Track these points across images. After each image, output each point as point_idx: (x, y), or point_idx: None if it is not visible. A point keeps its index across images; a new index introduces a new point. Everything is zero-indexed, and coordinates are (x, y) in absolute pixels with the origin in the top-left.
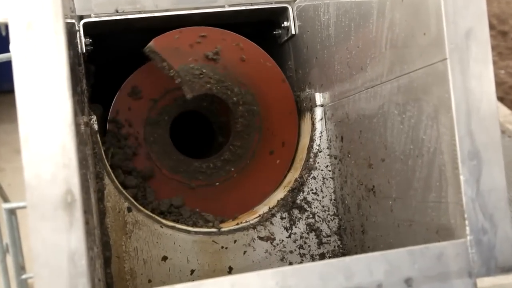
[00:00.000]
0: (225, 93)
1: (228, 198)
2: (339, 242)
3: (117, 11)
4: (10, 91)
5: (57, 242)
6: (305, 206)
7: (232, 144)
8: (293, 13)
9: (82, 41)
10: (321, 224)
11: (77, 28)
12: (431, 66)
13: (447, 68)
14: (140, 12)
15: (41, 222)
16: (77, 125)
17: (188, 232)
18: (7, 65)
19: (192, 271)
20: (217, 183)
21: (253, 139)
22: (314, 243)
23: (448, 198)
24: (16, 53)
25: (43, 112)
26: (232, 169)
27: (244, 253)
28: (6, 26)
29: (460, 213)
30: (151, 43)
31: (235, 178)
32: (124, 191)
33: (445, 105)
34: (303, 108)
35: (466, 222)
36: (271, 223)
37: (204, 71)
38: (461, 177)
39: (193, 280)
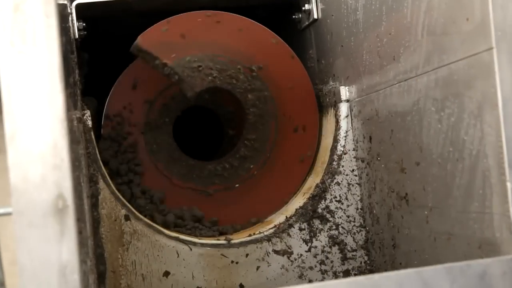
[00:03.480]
0: (230, 83)
1: (252, 200)
2: (366, 258)
3: None
4: None
5: (46, 253)
6: (328, 215)
7: (247, 138)
8: None
9: (74, 25)
10: (346, 236)
11: (69, 10)
12: (475, 57)
13: (493, 58)
14: None
15: (28, 231)
16: (69, 121)
17: (194, 243)
18: None
19: None
20: (237, 185)
21: (269, 128)
22: (338, 258)
23: (492, 209)
24: (2, 39)
25: (32, 107)
26: (252, 166)
27: (257, 269)
28: None
29: (507, 226)
30: (137, 41)
31: (256, 175)
32: (121, 197)
33: (491, 102)
34: (326, 103)
35: None
36: (288, 234)
37: (203, 62)
38: (508, 184)
39: None
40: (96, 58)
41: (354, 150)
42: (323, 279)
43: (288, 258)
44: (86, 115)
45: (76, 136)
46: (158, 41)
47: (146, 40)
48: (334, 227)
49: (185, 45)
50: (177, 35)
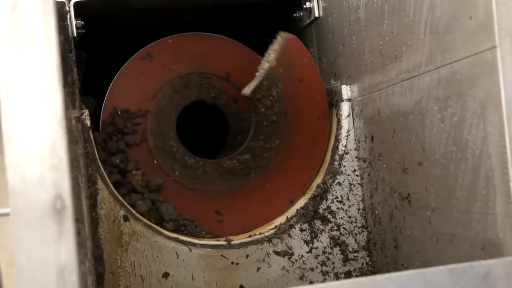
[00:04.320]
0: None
1: (247, 206)
2: (368, 259)
3: None
4: None
5: (44, 254)
6: (329, 216)
7: (253, 143)
8: None
9: (73, 23)
10: (347, 237)
11: (67, 8)
12: (478, 55)
13: (496, 57)
14: None
15: (26, 232)
16: (67, 120)
17: (194, 244)
18: None
19: None
20: (234, 189)
21: (276, 137)
22: (339, 259)
23: (496, 209)
24: None
25: (30, 106)
26: (252, 173)
27: (257, 270)
28: None
29: (510, 226)
30: (289, 35)
31: (254, 182)
32: (120, 197)
33: (494, 101)
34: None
35: None
36: (289, 235)
37: (280, 101)
38: None
39: None
40: (94, 57)
41: (355, 150)
42: (324, 281)
43: (289, 259)
44: (84, 114)
45: (74, 136)
46: (289, 53)
47: (291, 43)
48: (335, 228)
49: (292, 82)
50: (299, 77)
